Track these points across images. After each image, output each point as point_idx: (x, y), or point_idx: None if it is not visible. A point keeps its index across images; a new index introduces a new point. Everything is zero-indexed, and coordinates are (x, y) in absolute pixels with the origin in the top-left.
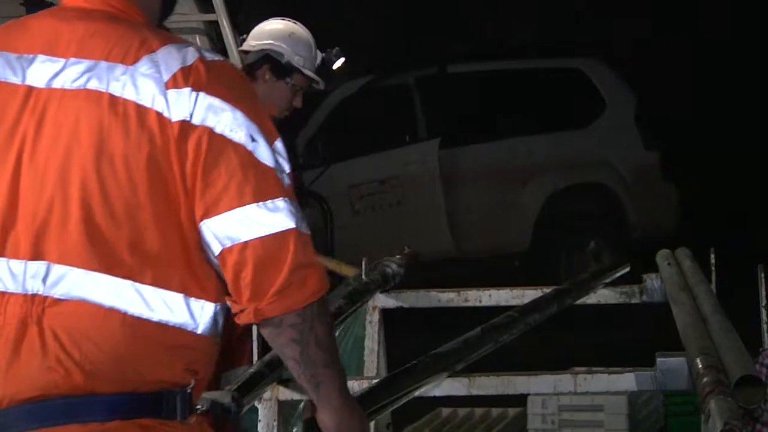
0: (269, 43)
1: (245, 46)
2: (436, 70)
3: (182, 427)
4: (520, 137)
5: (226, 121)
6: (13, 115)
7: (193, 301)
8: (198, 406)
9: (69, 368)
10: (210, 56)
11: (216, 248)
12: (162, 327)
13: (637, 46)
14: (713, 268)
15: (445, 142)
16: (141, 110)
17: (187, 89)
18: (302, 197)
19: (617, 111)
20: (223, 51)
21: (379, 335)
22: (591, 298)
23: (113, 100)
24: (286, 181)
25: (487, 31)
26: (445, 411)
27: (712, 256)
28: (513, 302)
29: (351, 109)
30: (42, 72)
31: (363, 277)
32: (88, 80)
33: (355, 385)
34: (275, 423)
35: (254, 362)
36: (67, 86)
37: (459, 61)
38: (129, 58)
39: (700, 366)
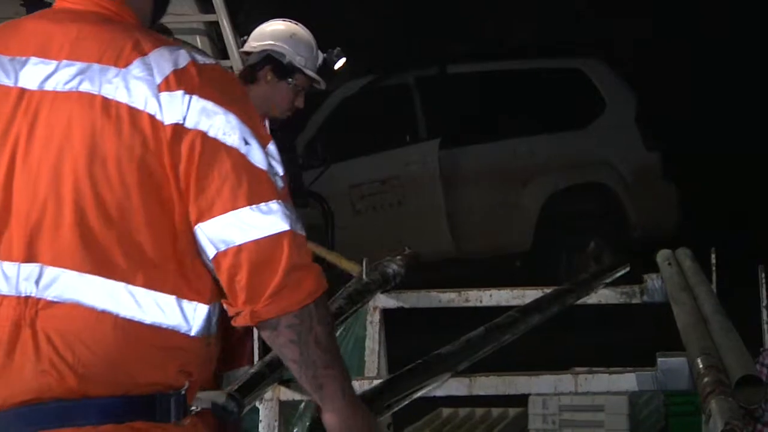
0: (271, 44)
1: (247, 47)
2: (437, 71)
3: (176, 429)
4: (521, 137)
5: (219, 124)
6: (6, 117)
7: (185, 303)
8: (192, 408)
9: (62, 371)
10: (201, 59)
11: (210, 252)
12: (155, 329)
13: (637, 46)
14: (714, 268)
15: (445, 142)
16: (134, 113)
17: (180, 92)
18: (303, 197)
19: (617, 111)
20: (223, 51)
21: (380, 335)
22: (592, 298)
23: (106, 102)
24: (280, 183)
25: (487, 31)
26: (446, 411)
27: (713, 256)
28: (514, 302)
29: (351, 109)
30: (34, 74)
31: (364, 277)
32: (80, 82)
33: (355, 386)
34: (276, 423)
35: (255, 363)
36: (60, 88)
37: (459, 61)
38: (121, 61)
39: (700, 366)
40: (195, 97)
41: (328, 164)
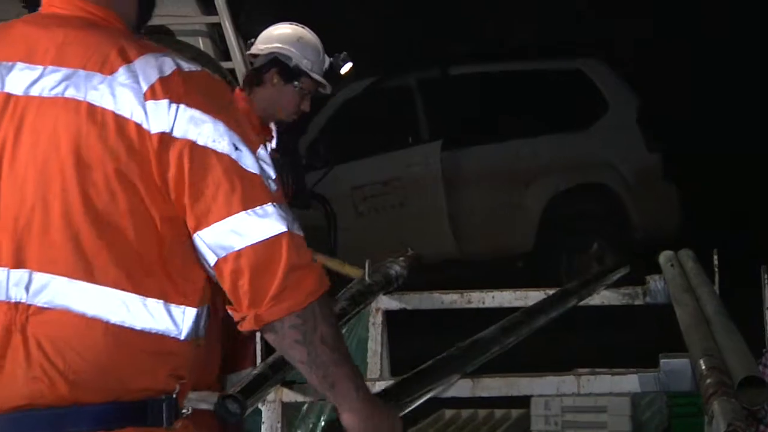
0: (278, 47)
1: (253, 50)
2: (438, 72)
3: None
4: (523, 139)
5: (208, 132)
6: None
7: (173, 307)
8: (184, 411)
9: (53, 378)
10: (187, 66)
11: (211, 259)
12: (145, 334)
13: (638, 47)
14: (716, 270)
15: (447, 143)
16: (119, 120)
17: (165, 101)
18: (305, 199)
19: (619, 112)
20: (225, 53)
21: (383, 337)
22: (594, 300)
23: (92, 108)
24: (273, 186)
25: (488, 32)
26: (449, 412)
27: (715, 257)
28: (516, 304)
29: (353, 110)
30: (20, 79)
31: (366, 278)
32: (65, 88)
33: None
34: (279, 425)
35: (258, 364)
36: (45, 94)
37: (461, 62)
38: (106, 68)
39: (703, 367)
40: (182, 106)
41: (331, 166)
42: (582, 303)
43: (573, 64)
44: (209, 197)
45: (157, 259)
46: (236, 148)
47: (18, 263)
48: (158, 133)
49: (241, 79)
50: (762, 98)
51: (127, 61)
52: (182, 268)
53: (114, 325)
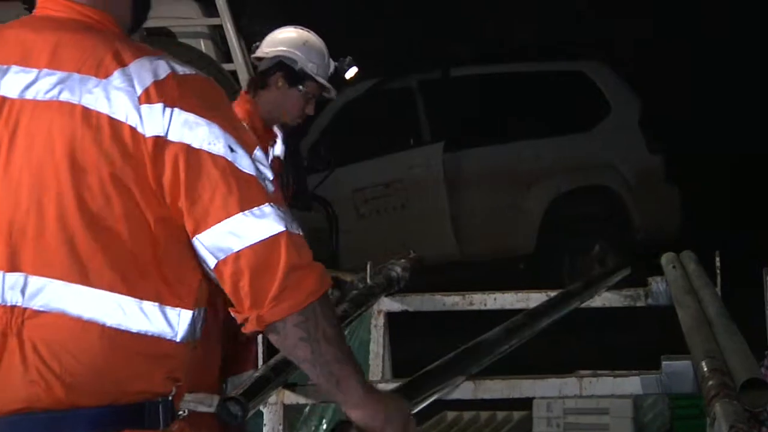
0: (283, 50)
1: (258, 53)
2: (440, 74)
3: None
4: (524, 140)
5: (203, 135)
6: None
7: (168, 309)
8: (180, 412)
9: (50, 381)
10: (182, 69)
11: (211, 262)
12: (141, 337)
13: (639, 48)
14: (718, 271)
15: (449, 145)
16: (114, 123)
17: (160, 105)
18: (307, 201)
19: (621, 113)
20: (227, 54)
21: (384, 339)
22: (596, 301)
23: (86, 112)
24: (270, 187)
25: (490, 34)
26: (451, 414)
27: (717, 259)
28: (518, 305)
29: (355, 112)
30: (15, 82)
31: (368, 280)
32: (60, 92)
33: None
34: (281, 427)
35: (259, 367)
36: (40, 97)
37: (462, 64)
38: (101, 71)
39: (705, 369)
40: (177, 110)
41: (332, 168)
42: (584, 305)
43: (575, 66)
44: (206, 200)
45: (152, 262)
46: (232, 150)
47: (13, 267)
48: (153, 136)
49: (243, 81)
50: (763, 98)
51: (122, 64)
52: (177, 270)
53: (110, 328)
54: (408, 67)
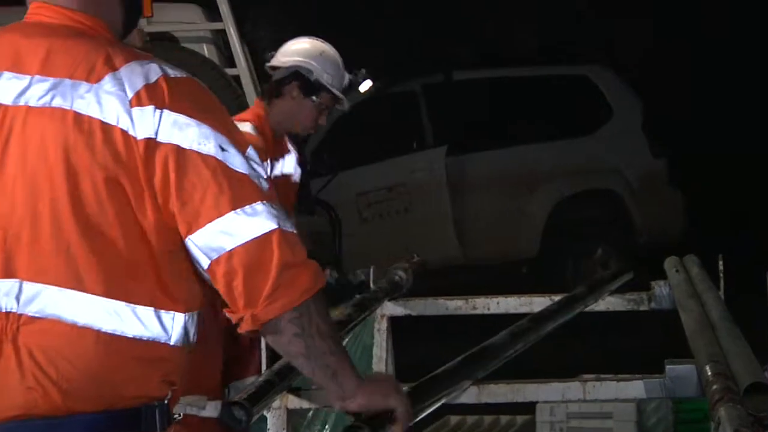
0: (299, 60)
1: (274, 62)
2: (443, 78)
3: None
4: (527, 144)
5: (193, 135)
6: None
7: (163, 313)
8: (175, 416)
9: (47, 387)
10: (173, 72)
11: (204, 262)
12: (136, 342)
13: (642, 52)
14: (721, 275)
15: (452, 149)
16: (106, 128)
17: (151, 107)
18: (310, 205)
19: (624, 117)
20: (230, 59)
21: (388, 343)
22: (600, 305)
23: (78, 117)
24: (265, 185)
25: (493, 38)
26: (454, 418)
27: (720, 263)
28: (521, 310)
29: (358, 116)
30: (9, 89)
31: (371, 285)
32: (52, 98)
33: None
34: None
35: (263, 372)
36: (32, 103)
37: (465, 68)
38: (93, 76)
39: (709, 373)
40: (166, 111)
41: (336, 172)
42: (587, 309)
43: (578, 70)
44: (197, 200)
45: (146, 266)
46: (223, 150)
47: (8, 273)
48: (144, 139)
49: (246, 86)
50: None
51: (112, 69)
52: (171, 274)
53: (105, 334)
54: (411, 70)
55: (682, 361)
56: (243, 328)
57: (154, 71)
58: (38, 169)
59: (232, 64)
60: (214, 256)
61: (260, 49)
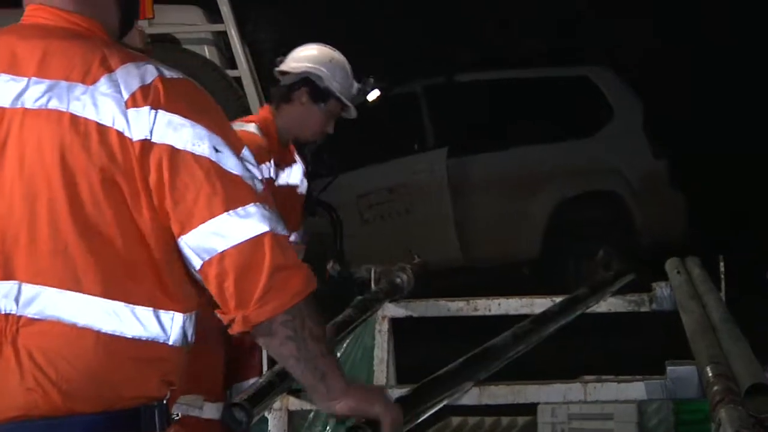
0: (309, 66)
1: (283, 67)
2: (444, 79)
3: None
4: (528, 145)
5: (187, 136)
6: None
7: (162, 313)
8: (174, 415)
9: (47, 388)
10: (169, 73)
11: (196, 263)
12: (135, 342)
13: (643, 53)
14: (722, 276)
15: (453, 150)
16: (102, 129)
17: (146, 108)
18: (311, 206)
19: (625, 118)
20: (231, 61)
21: (389, 344)
22: (601, 307)
23: (74, 119)
24: (259, 186)
25: (494, 39)
26: (455, 420)
27: (722, 264)
28: (522, 311)
29: (359, 117)
30: (6, 91)
31: (372, 284)
32: (49, 100)
33: None
34: None
35: (263, 374)
36: (29, 105)
37: (467, 69)
38: (89, 78)
39: (710, 374)
40: (161, 112)
41: (336, 173)
42: (588, 310)
43: (578, 71)
44: (190, 201)
45: (144, 267)
46: (217, 150)
47: (6, 275)
48: (140, 140)
49: (247, 88)
50: None
51: (108, 70)
52: (170, 274)
53: (105, 334)
54: (412, 72)
55: (683, 363)
56: (234, 330)
57: (150, 72)
58: (35, 171)
59: (234, 66)
60: (206, 257)
61: (261, 50)
